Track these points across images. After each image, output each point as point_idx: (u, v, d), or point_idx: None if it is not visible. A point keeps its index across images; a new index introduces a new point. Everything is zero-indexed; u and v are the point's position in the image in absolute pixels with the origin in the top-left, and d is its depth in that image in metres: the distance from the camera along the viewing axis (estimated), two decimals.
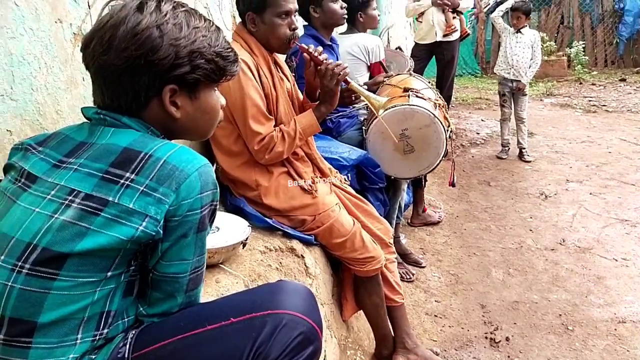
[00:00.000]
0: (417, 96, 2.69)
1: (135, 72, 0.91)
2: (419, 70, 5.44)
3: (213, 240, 1.59)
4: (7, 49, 1.22)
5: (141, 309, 0.96)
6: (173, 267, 0.92)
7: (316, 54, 1.92)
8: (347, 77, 1.94)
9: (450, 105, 6.59)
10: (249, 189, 1.97)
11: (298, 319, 0.92)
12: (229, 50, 1.02)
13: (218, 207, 2.04)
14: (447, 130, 2.67)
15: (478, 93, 8.71)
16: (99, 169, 0.88)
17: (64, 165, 0.91)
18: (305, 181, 1.95)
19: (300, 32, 3.17)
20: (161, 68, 0.92)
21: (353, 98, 2.34)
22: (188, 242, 0.91)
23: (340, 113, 2.85)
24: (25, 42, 1.27)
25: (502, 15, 4.99)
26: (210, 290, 1.50)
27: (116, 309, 0.91)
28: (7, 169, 0.99)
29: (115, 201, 0.86)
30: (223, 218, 1.77)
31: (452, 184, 3.13)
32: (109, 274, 0.87)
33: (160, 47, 0.91)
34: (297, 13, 1.94)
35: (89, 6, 1.49)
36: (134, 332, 0.93)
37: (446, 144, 2.64)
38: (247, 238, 1.68)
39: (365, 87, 2.62)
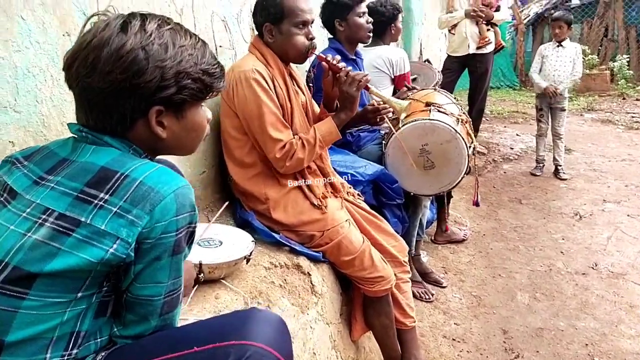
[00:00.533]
0: (439, 111, 2.62)
1: (120, 95, 0.89)
2: (451, 82, 5.34)
3: (214, 255, 1.57)
4: (12, 61, 1.24)
5: (115, 329, 0.94)
6: (147, 290, 0.90)
7: (334, 62, 1.91)
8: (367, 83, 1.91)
9: (483, 119, 6.44)
10: (259, 202, 1.95)
11: (264, 351, 0.88)
12: (216, 66, 0.99)
13: (227, 220, 2.03)
14: (470, 147, 2.58)
15: (515, 106, 8.49)
16: (75, 188, 0.87)
17: (43, 182, 0.90)
18: (314, 194, 1.92)
19: (318, 42, 3.17)
20: (147, 91, 0.90)
21: (378, 120, 2.30)
22: (162, 264, 0.89)
23: (361, 127, 2.81)
24: (30, 55, 1.29)
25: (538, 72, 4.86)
26: (209, 307, 1.48)
27: (87, 329, 0.89)
28: None
29: (88, 222, 0.84)
30: (227, 232, 1.75)
31: (476, 204, 3.02)
32: (80, 294, 0.86)
33: (145, 70, 0.88)
34: (313, 23, 1.93)
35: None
36: (104, 353, 0.92)
37: (468, 161, 2.55)
38: (250, 253, 1.66)
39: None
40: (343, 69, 1.89)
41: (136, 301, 0.91)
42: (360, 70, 2.86)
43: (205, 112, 1.03)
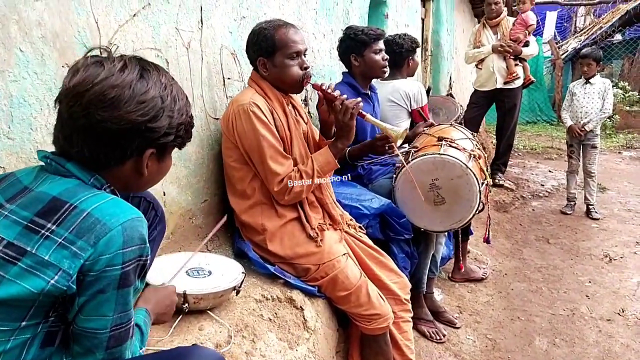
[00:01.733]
0: (450, 146, 2.57)
1: (131, 135, 0.95)
2: (478, 116, 5.27)
3: (200, 285, 1.56)
4: (7, 91, 1.29)
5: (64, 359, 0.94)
6: (91, 323, 0.89)
7: (329, 90, 1.91)
8: (361, 111, 1.90)
9: (514, 154, 6.29)
10: (256, 233, 1.94)
11: None
12: (192, 118, 1.08)
13: (226, 249, 2.03)
14: (482, 183, 2.50)
15: (550, 142, 8.28)
16: (25, 217, 0.88)
17: (0, 210, 0.92)
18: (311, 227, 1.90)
19: (335, 73, 3.20)
20: (155, 135, 0.97)
21: (387, 148, 2.29)
22: (107, 297, 0.88)
23: (373, 160, 2.79)
24: (27, 84, 1.34)
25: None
26: (191, 338, 1.46)
27: (32, 358, 0.89)
28: None
29: (33, 251, 0.85)
30: (219, 262, 1.74)
31: (487, 241, 2.92)
32: (24, 323, 0.86)
33: (160, 117, 0.96)
34: (306, 52, 1.95)
35: (100, 52, 1.56)
36: None
37: (480, 197, 2.47)
38: (240, 285, 1.64)
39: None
40: (338, 97, 1.89)
41: (82, 333, 0.90)
42: (373, 105, 2.86)
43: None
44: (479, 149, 2.75)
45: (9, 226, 0.88)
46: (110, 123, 0.91)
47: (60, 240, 0.85)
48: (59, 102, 0.96)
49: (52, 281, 0.83)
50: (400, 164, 2.55)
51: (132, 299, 0.93)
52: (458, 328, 2.83)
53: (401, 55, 3.17)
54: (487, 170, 2.68)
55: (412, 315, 2.12)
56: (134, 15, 1.68)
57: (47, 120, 1.41)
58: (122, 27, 1.64)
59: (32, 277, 0.84)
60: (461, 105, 3.89)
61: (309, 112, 2.67)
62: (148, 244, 0.92)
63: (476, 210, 2.50)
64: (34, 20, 1.34)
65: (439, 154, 2.46)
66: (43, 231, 0.86)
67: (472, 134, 2.95)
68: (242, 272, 1.68)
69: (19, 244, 0.86)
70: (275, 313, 1.73)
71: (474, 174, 2.43)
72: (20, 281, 0.83)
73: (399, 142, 2.00)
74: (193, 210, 2.03)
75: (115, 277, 0.87)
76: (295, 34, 1.89)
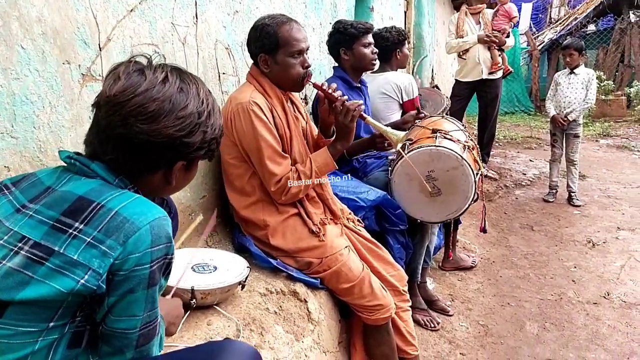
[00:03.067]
0: (445, 137, 2.60)
1: (166, 148, 0.95)
2: (460, 108, 5.33)
3: (207, 281, 1.57)
4: (10, 89, 1.27)
5: None
6: (122, 323, 0.89)
7: (330, 91, 1.91)
8: (362, 113, 1.91)
9: (495, 144, 6.39)
10: (258, 228, 1.94)
11: None
12: (223, 130, 1.08)
13: (226, 244, 2.03)
14: (477, 174, 2.55)
15: (529, 132, 8.43)
16: (51, 216, 0.87)
17: (24, 210, 0.91)
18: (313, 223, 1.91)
19: (325, 68, 3.20)
20: (188, 149, 0.98)
21: (385, 144, 2.30)
22: (137, 297, 0.88)
23: (368, 153, 2.81)
24: (29, 82, 1.32)
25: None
26: (200, 334, 1.47)
27: (60, 359, 0.89)
28: None
29: (61, 251, 0.84)
30: (223, 257, 1.75)
31: (484, 230, 2.97)
32: (52, 324, 0.85)
33: (195, 133, 0.97)
34: (308, 50, 1.94)
35: (99, 48, 1.54)
36: None
37: (475, 188, 2.52)
38: (245, 279, 1.65)
39: (389, 125, 2.56)
40: (339, 98, 1.88)
41: (112, 334, 0.90)
42: (365, 98, 2.88)
43: None
44: (471, 140, 2.80)
45: (35, 226, 0.87)
46: (148, 136, 0.92)
47: (88, 240, 0.84)
48: (96, 107, 0.95)
49: (82, 281, 0.83)
50: (396, 157, 2.57)
51: (158, 296, 0.93)
52: (451, 316, 2.88)
53: (388, 48, 3.19)
54: (480, 161, 2.73)
55: (410, 304, 2.16)
56: (131, 10, 1.66)
57: (50, 118, 1.39)
58: (119, 23, 1.62)
59: (62, 277, 0.83)
60: (447, 97, 3.93)
61: (312, 114, 2.66)
62: (173, 243, 0.93)
63: (472, 201, 2.54)
64: (34, 16, 1.32)
65: (434, 145, 2.49)
66: (71, 230, 0.85)
67: (463, 125, 3.00)
68: (247, 267, 1.69)
69: (46, 243, 0.85)
70: (280, 306, 1.74)
71: (469, 165, 2.47)
72: (50, 281, 0.83)
73: (399, 145, 2.02)
74: (192, 206, 2.03)
75: (144, 276, 0.87)
76: (298, 32, 1.87)
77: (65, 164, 0.98)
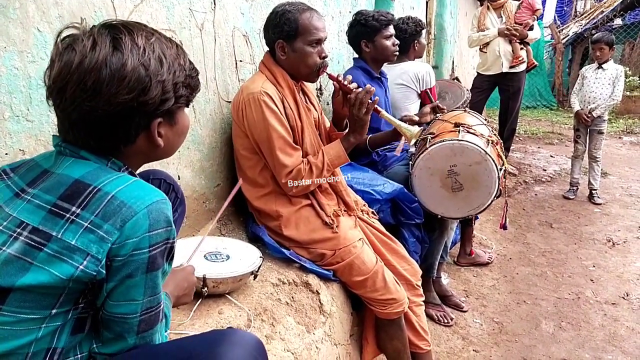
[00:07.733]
0: (468, 132, 2.54)
1: (126, 115, 0.88)
2: (481, 101, 5.25)
3: (219, 269, 1.56)
4: (26, 72, 1.27)
5: (94, 346, 0.92)
6: (121, 308, 0.88)
7: (345, 82, 1.87)
8: (377, 106, 1.87)
9: (515, 139, 6.28)
10: (271, 219, 1.93)
11: None
12: (193, 67, 1.00)
13: (240, 233, 2.02)
14: (501, 169, 2.49)
15: (551, 127, 8.26)
16: (48, 201, 0.86)
17: (23, 195, 0.89)
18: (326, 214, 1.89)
19: (344, 58, 3.16)
20: (152, 106, 0.90)
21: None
22: (136, 282, 0.86)
23: (389, 146, 2.77)
24: (45, 66, 1.30)
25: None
26: (211, 322, 1.46)
27: (64, 345, 0.88)
28: None
29: (59, 236, 0.82)
30: (236, 247, 1.74)
31: (504, 227, 2.90)
32: (54, 311, 0.84)
33: (150, 87, 0.88)
34: (326, 40, 1.91)
35: None
36: None
37: (498, 183, 2.45)
38: (258, 269, 1.63)
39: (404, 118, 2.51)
40: (354, 90, 1.85)
41: (112, 319, 0.89)
42: (385, 89, 2.84)
43: (187, 113, 1.04)
44: (494, 134, 2.73)
45: (33, 211, 0.86)
46: (101, 110, 0.86)
47: (86, 224, 0.82)
48: (47, 98, 0.90)
49: (81, 267, 0.81)
50: (418, 151, 2.52)
51: (161, 282, 0.91)
52: (465, 312, 2.85)
53: (406, 40, 3.14)
54: (504, 156, 2.66)
55: (423, 299, 2.13)
56: None
57: None
58: (137, 7, 1.61)
59: (60, 262, 0.81)
60: (467, 90, 3.85)
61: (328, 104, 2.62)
62: (174, 226, 0.90)
63: (494, 197, 2.48)
64: None
65: (457, 140, 2.43)
66: (68, 215, 0.83)
67: (485, 119, 2.93)
68: (260, 257, 1.68)
69: (44, 229, 0.83)
70: (292, 297, 1.73)
71: (493, 160, 2.41)
72: (48, 267, 0.81)
73: (413, 141, 1.98)
74: (207, 194, 2.02)
75: (143, 261, 0.85)
76: (318, 20, 1.84)
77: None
